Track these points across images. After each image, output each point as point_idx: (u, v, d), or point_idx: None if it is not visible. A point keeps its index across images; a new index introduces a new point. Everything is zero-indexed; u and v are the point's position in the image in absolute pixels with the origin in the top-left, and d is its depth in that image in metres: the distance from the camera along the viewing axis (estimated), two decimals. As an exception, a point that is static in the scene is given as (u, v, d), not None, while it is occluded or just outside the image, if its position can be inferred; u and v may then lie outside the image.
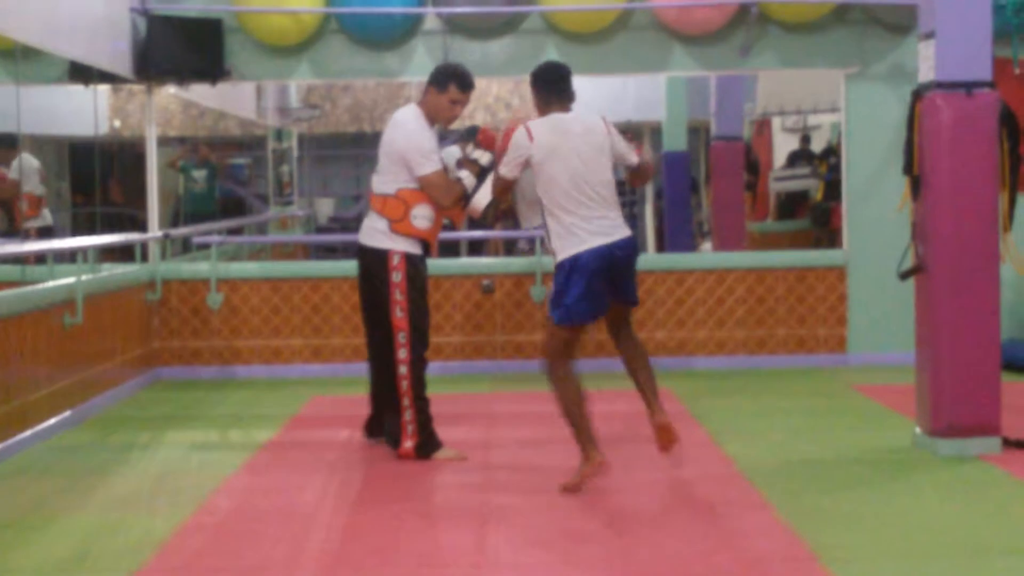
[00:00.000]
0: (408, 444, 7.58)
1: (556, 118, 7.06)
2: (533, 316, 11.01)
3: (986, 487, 6.85)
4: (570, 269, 6.84)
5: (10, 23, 8.23)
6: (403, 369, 7.54)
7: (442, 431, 7.73)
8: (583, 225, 6.86)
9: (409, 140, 7.46)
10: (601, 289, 6.90)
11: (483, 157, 7.61)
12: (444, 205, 7.49)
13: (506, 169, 7.04)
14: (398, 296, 7.49)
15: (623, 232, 6.96)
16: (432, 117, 7.60)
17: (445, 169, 7.52)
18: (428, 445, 7.61)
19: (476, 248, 17.01)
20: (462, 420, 8.85)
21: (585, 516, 6.34)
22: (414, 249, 7.53)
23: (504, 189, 7.18)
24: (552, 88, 7.14)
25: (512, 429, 8.61)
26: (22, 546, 5.98)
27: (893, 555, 5.64)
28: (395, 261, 7.48)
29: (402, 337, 7.51)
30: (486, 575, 5.49)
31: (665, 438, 7.06)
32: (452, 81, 7.56)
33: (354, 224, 13.77)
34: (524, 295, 11.01)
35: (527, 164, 6.97)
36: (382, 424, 7.83)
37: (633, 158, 7.22)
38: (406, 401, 7.55)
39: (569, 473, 7.03)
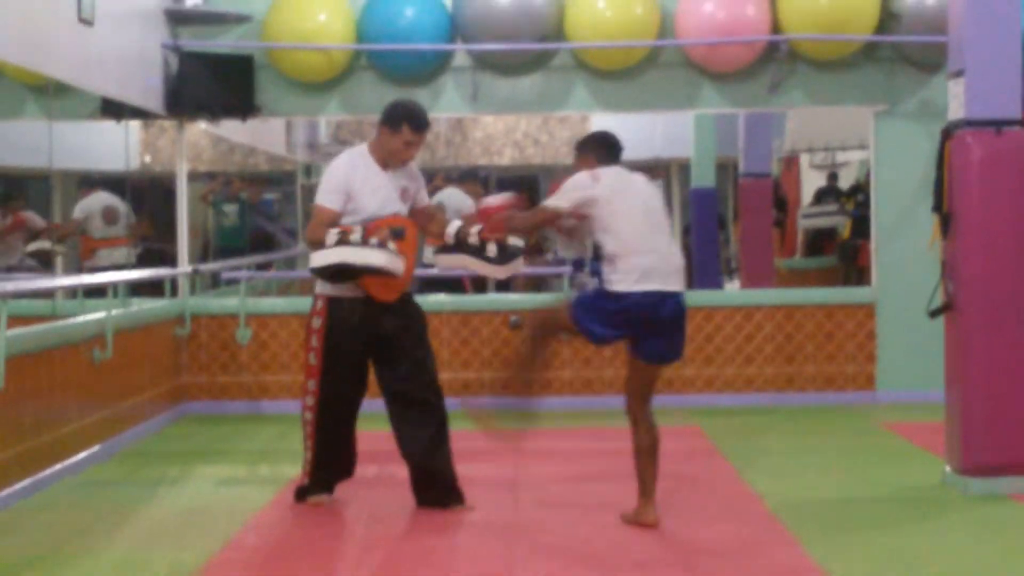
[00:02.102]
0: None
1: (616, 168, 6.99)
2: (561, 353, 11.00)
3: (1017, 526, 6.81)
4: (605, 297, 6.82)
5: (43, 59, 8.30)
6: (307, 415, 7.31)
7: (471, 468, 7.72)
8: (641, 261, 6.78)
9: (324, 175, 7.25)
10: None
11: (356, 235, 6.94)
12: (305, 238, 7.30)
13: (563, 202, 6.84)
14: (313, 342, 7.21)
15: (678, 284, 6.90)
16: (384, 159, 7.16)
17: (337, 215, 7.04)
18: (302, 490, 7.47)
19: (504, 284, 17.01)
20: (490, 457, 8.84)
21: (614, 557, 6.32)
22: (341, 293, 7.14)
23: (549, 221, 7.01)
24: (611, 153, 7.02)
25: (542, 466, 8.59)
26: (51, 580, 6.00)
27: (923, 595, 5.62)
28: (318, 305, 7.21)
29: (311, 384, 7.25)
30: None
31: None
32: (406, 122, 7.07)
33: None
34: (552, 331, 11.00)
35: (585, 205, 6.80)
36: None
37: None
38: (307, 443, 7.37)
39: (600, 508, 7.03)
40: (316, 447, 7.36)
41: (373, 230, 6.92)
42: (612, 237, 6.78)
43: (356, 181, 7.10)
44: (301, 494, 7.47)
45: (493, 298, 11.66)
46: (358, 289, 7.06)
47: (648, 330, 6.84)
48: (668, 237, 6.97)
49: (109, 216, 13.40)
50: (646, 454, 6.97)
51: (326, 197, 7.09)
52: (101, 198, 13.47)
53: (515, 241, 7.23)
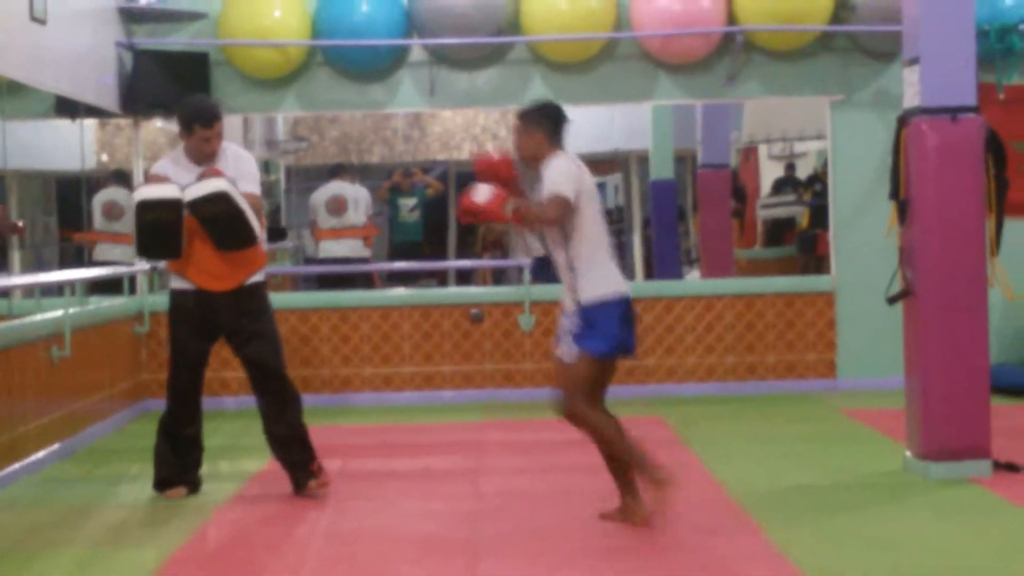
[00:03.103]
0: None
1: (574, 157, 6.75)
2: (522, 345, 11.01)
3: (977, 510, 6.85)
4: (608, 305, 6.56)
5: (-2, 57, 8.25)
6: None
7: (434, 460, 7.71)
8: (611, 264, 6.65)
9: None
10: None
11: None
12: None
13: (570, 192, 6.50)
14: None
15: None
16: (195, 158, 7.35)
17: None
18: (157, 483, 7.62)
19: (465, 277, 17.02)
20: (453, 449, 8.85)
21: (575, 545, 6.33)
22: (178, 285, 7.49)
23: (564, 212, 6.51)
24: (560, 128, 6.76)
25: (503, 458, 8.60)
26: (12, 579, 5.97)
27: (885, 578, 5.65)
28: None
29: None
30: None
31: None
32: (195, 123, 7.29)
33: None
34: (513, 324, 11.02)
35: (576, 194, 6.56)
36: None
37: None
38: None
39: (563, 497, 7.05)
40: (158, 436, 7.61)
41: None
42: (585, 234, 6.59)
43: (171, 175, 7.30)
44: (156, 485, 7.62)
45: (453, 291, 11.66)
46: (183, 280, 7.43)
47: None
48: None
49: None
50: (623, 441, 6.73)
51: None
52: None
53: None
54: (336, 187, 13.81)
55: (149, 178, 7.40)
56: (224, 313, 7.39)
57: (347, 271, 13.31)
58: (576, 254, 6.57)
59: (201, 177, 7.22)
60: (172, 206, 7.16)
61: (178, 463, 7.60)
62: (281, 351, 7.57)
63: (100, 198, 13.62)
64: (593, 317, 6.52)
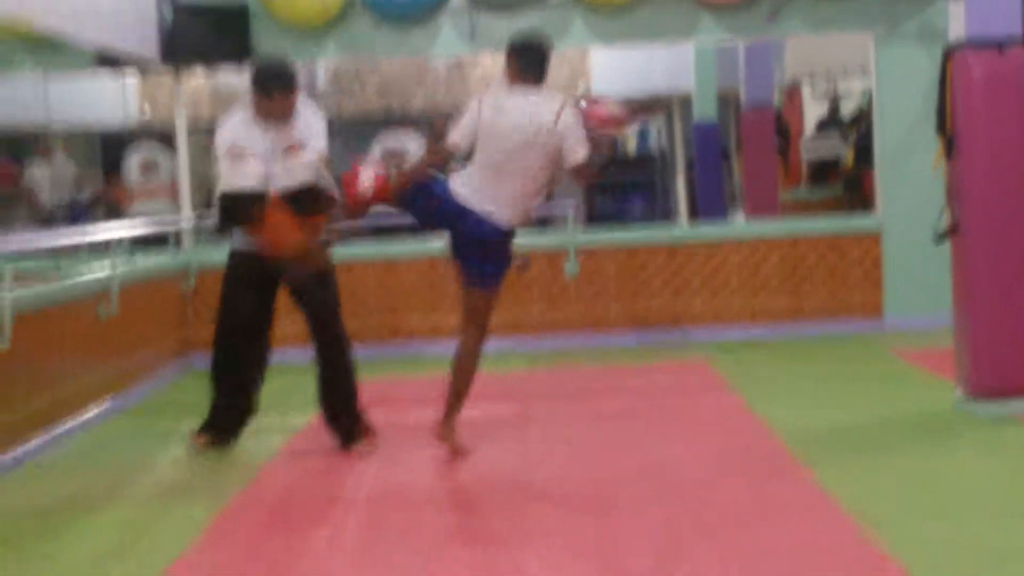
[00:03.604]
0: None
1: (514, 92, 6.95)
2: (567, 291, 10.98)
3: (1028, 448, 6.81)
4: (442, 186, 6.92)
5: (37, 12, 8.23)
6: None
7: (480, 410, 7.71)
8: (477, 180, 6.90)
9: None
10: None
11: None
12: None
13: (456, 137, 6.89)
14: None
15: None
16: (267, 119, 7.14)
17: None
18: (200, 428, 7.66)
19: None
20: (499, 398, 8.85)
21: (623, 491, 6.31)
22: (236, 245, 7.52)
23: (448, 157, 6.94)
24: (529, 61, 6.97)
25: (549, 406, 8.59)
26: (66, 535, 6.00)
27: (934, 516, 5.60)
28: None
29: None
30: (523, 546, 5.47)
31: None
32: (276, 89, 7.10)
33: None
34: (558, 270, 10.98)
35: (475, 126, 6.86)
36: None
37: (576, 158, 6.92)
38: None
39: (610, 444, 7.05)
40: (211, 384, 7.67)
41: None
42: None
43: (240, 142, 7.10)
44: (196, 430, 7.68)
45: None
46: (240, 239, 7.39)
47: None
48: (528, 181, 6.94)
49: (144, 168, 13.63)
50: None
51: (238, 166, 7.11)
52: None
53: None
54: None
55: (229, 151, 7.08)
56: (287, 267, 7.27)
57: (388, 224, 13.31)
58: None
59: (286, 156, 7.11)
60: (257, 198, 7.05)
61: (213, 412, 7.65)
62: (339, 305, 7.52)
63: (136, 156, 13.67)
64: (506, 248, 7.02)
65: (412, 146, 13.93)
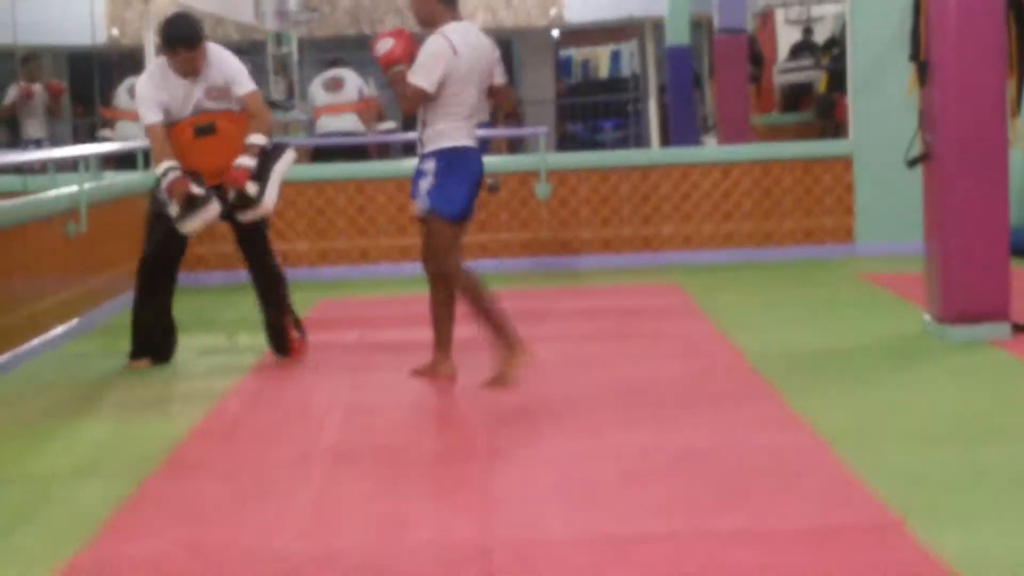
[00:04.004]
0: None
1: (465, 29, 6.92)
2: (538, 214, 10.96)
3: (997, 372, 6.84)
4: (448, 163, 6.83)
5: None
6: None
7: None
8: (463, 130, 6.87)
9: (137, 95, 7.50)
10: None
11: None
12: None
13: (426, 82, 6.70)
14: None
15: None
16: (182, 74, 7.33)
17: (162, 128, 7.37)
18: (135, 352, 7.76)
19: (480, 147, 16.91)
20: (470, 319, 8.83)
21: (590, 414, 6.32)
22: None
23: (420, 102, 6.79)
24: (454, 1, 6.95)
25: (521, 327, 8.58)
26: (36, 453, 6.00)
27: (904, 440, 5.64)
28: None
29: None
30: (491, 467, 5.48)
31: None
32: (178, 45, 7.23)
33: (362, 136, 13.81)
34: (529, 192, 10.96)
35: (446, 77, 6.75)
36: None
37: (500, 79, 7.10)
38: None
39: (579, 365, 7.07)
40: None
41: (170, 192, 7.23)
42: (444, 107, 6.80)
43: (164, 96, 7.31)
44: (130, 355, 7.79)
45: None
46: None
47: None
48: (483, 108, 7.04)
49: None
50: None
51: (147, 114, 7.33)
52: None
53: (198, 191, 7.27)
54: (332, 71, 14.05)
55: (140, 100, 7.39)
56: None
57: (349, 143, 13.30)
58: (433, 118, 6.82)
59: (208, 98, 7.34)
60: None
61: (144, 335, 7.73)
62: (266, 227, 7.72)
63: (127, 83, 13.62)
64: (433, 174, 6.81)
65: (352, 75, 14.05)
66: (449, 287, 6.96)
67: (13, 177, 10.11)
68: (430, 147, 6.84)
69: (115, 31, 18.26)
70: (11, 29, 12.22)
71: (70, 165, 10.23)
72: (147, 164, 10.91)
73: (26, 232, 8.11)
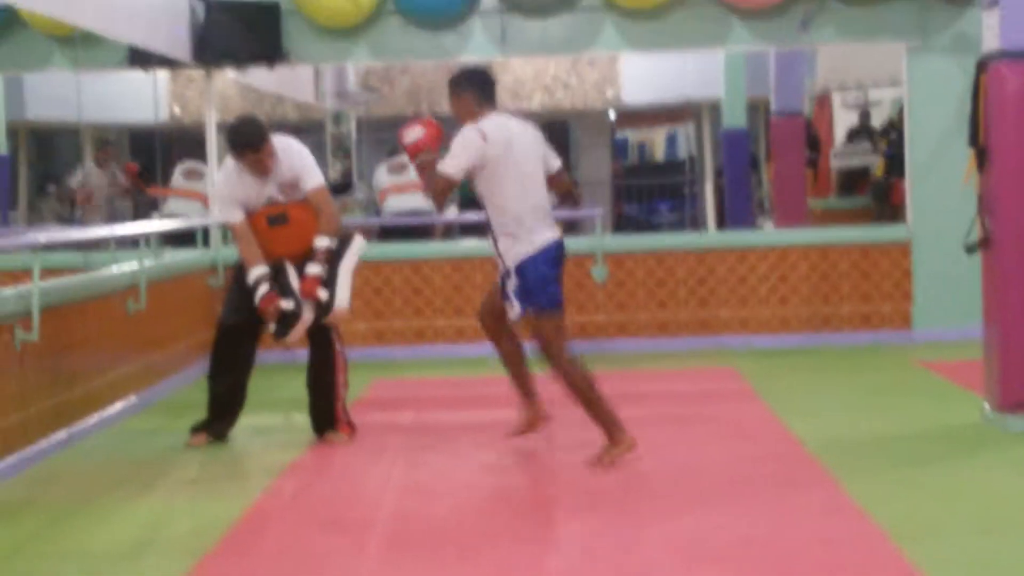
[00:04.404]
0: None
1: (503, 119, 7.03)
2: (595, 297, 10.97)
3: (1057, 463, 6.76)
4: (535, 260, 6.86)
5: (69, 8, 8.25)
6: None
7: (507, 412, 7.70)
8: (536, 222, 6.92)
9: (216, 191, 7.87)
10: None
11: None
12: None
13: (453, 169, 6.84)
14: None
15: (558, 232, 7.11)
16: (254, 173, 7.52)
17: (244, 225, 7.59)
18: (196, 426, 7.89)
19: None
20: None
21: (650, 498, 6.30)
22: None
23: (448, 190, 6.92)
24: (488, 90, 7.07)
25: (576, 410, 8.56)
26: (91, 530, 6.01)
27: (964, 531, 5.57)
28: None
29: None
30: (547, 550, 5.46)
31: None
32: (245, 149, 7.45)
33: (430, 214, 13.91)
34: (585, 275, 10.97)
35: (478, 165, 6.85)
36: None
37: (556, 163, 7.21)
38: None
39: (635, 452, 7.05)
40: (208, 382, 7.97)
41: (263, 312, 7.48)
42: (500, 197, 6.89)
43: (241, 193, 7.54)
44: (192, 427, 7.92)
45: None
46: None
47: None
48: (545, 193, 7.09)
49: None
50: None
51: (229, 214, 7.58)
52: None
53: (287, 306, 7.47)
54: (397, 157, 14.14)
55: (219, 196, 7.67)
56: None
57: (413, 223, 13.35)
58: (493, 219, 6.92)
59: (281, 192, 7.55)
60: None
61: (210, 413, 7.88)
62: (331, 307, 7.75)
63: (181, 166, 13.82)
64: (522, 277, 6.86)
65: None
66: (572, 376, 7.02)
67: (75, 254, 10.21)
68: (508, 259, 6.90)
69: (177, 109, 18.49)
70: (75, 106, 12.39)
71: (130, 242, 10.34)
72: (206, 242, 11.01)
73: (87, 309, 8.18)
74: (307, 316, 7.47)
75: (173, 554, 5.59)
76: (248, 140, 7.42)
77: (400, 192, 14.02)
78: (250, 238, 7.50)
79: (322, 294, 7.47)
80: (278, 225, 7.53)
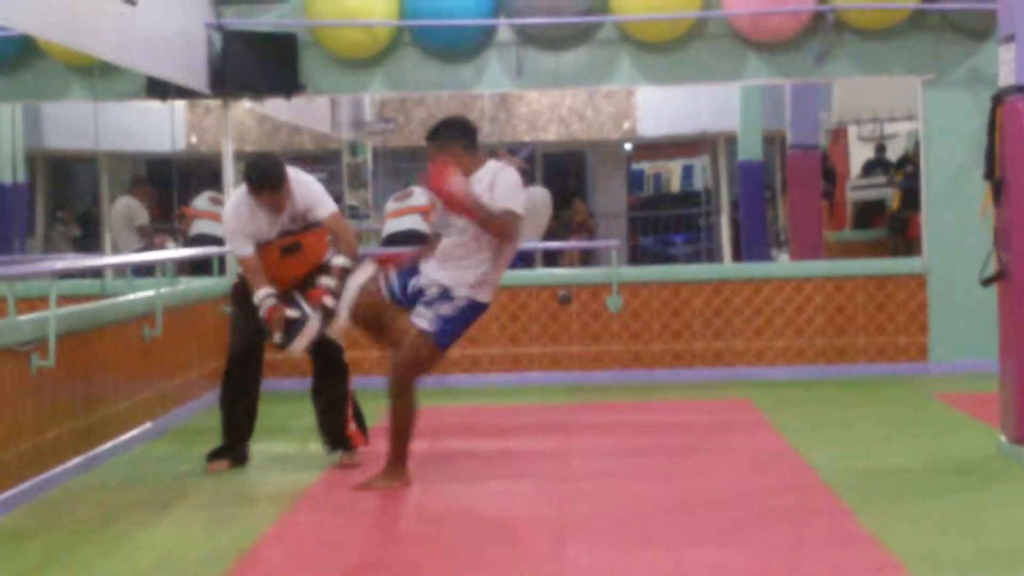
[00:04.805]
0: None
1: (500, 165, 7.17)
2: (610, 327, 10.98)
3: (1073, 496, 6.74)
4: (473, 310, 7.05)
5: (88, 39, 8.30)
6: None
7: (521, 441, 7.71)
8: (496, 281, 7.15)
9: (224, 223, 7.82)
10: None
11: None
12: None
13: (521, 208, 6.98)
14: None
15: None
16: (268, 209, 7.57)
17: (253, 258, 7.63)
18: (214, 453, 7.94)
19: (552, 259, 16.99)
20: (540, 430, 8.83)
21: (662, 528, 6.29)
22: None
23: (518, 226, 7.02)
24: (473, 138, 7.15)
25: (590, 439, 8.58)
26: (104, 557, 6.02)
27: (979, 564, 5.56)
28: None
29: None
30: (567, 584, 5.46)
31: None
32: (263, 189, 7.47)
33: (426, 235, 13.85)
34: (600, 305, 10.98)
35: None
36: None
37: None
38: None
39: (650, 479, 7.04)
40: (221, 409, 8.04)
41: (269, 320, 7.50)
42: (503, 247, 7.05)
43: (252, 228, 7.57)
44: (209, 456, 7.96)
45: (540, 273, 11.64)
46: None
47: None
48: None
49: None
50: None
51: (240, 247, 7.61)
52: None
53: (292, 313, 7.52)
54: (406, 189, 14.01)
55: (229, 229, 7.67)
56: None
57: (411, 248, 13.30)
58: (496, 254, 7.04)
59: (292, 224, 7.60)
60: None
61: (228, 438, 7.96)
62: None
63: (207, 193, 13.89)
64: (455, 307, 7.00)
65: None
66: (404, 404, 7.12)
67: (93, 281, 10.25)
68: (461, 288, 7.01)
69: (194, 138, 18.57)
70: (93, 135, 12.45)
71: (147, 270, 10.38)
72: (222, 270, 11.04)
73: (103, 335, 8.21)
74: (313, 323, 7.50)
75: (187, 580, 5.60)
76: (268, 181, 7.45)
77: (398, 216, 13.93)
78: (259, 269, 7.56)
79: (328, 301, 7.49)
80: (291, 254, 7.60)
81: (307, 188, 7.65)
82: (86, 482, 7.56)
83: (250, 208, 7.55)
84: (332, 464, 7.84)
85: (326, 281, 7.54)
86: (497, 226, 6.92)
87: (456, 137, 7.07)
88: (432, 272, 7.08)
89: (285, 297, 7.54)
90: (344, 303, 7.48)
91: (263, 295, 7.49)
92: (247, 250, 7.56)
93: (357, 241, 7.88)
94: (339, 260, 7.57)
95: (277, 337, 7.52)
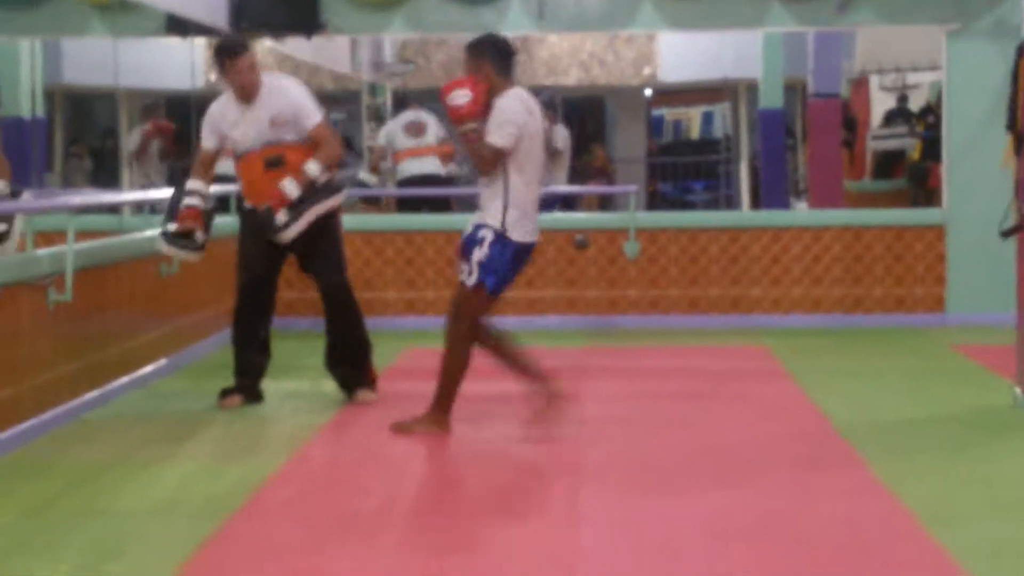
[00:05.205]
0: None
1: (526, 94, 6.97)
2: (627, 272, 10.96)
3: (1088, 449, 6.73)
4: (505, 245, 6.81)
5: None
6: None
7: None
8: (531, 210, 6.87)
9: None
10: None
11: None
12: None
13: (506, 142, 6.70)
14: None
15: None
16: (239, 95, 7.53)
17: (211, 152, 7.72)
18: (227, 389, 7.90)
19: (569, 203, 16.94)
20: (555, 374, 8.83)
21: (675, 473, 6.30)
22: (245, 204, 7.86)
23: (497, 163, 6.74)
24: (511, 61, 6.96)
25: (605, 384, 8.58)
26: (118, 490, 6.05)
27: (991, 514, 5.55)
28: None
29: None
30: (578, 527, 5.46)
31: None
32: (224, 58, 7.46)
33: (444, 179, 13.79)
34: (617, 250, 10.96)
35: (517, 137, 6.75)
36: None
37: (561, 144, 7.17)
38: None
39: (665, 424, 7.05)
40: (234, 348, 8.02)
41: (181, 216, 7.56)
42: (519, 170, 6.80)
43: (223, 124, 7.57)
44: (222, 394, 7.92)
45: (558, 217, 11.61)
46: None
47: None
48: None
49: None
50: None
51: (204, 136, 7.68)
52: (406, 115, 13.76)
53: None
54: (412, 114, 13.78)
55: (200, 153, 7.74)
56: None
57: (439, 194, 13.22)
58: (505, 181, 6.76)
59: (273, 127, 7.47)
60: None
61: (242, 374, 7.92)
62: (343, 267, 7.86)
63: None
64: (489, 247, 6.78)
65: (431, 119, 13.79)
66: (457, 351, 7.00)
67: (110, 217, 10.26)
68: (494, 219, 6.80)
69: (212, 76, 18.51)
70: (112, 71, 12.45)
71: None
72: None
73: (120, 271, 8.22)
74: (193, 255, 7.74)
75: (199, 515, 5.61)
76: (224, 48, 7.48)
77: (413, 156, 13.75)
78: (207, 165, 7.68)
79: (281, 216, 7.40)
80: (274, 168, 7.45)
81: (293, 89, 7.61)
82: (103, 415, 7.60)
83: (227, 101, 7.58)
84: (347, 402, 7.85)
85: (289, 188, 7.37)
86: (471, 150, 6.84)
87: (491, 55, 6.86)
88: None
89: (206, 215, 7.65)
90: (297, 224, 7.41)
91: (191, 187, 7.57)
92: (208, 142, 7.63)
93: (339, 153, 7.77)
94: (311, 167, 7.42)
95: (170, 226, 7.57)
